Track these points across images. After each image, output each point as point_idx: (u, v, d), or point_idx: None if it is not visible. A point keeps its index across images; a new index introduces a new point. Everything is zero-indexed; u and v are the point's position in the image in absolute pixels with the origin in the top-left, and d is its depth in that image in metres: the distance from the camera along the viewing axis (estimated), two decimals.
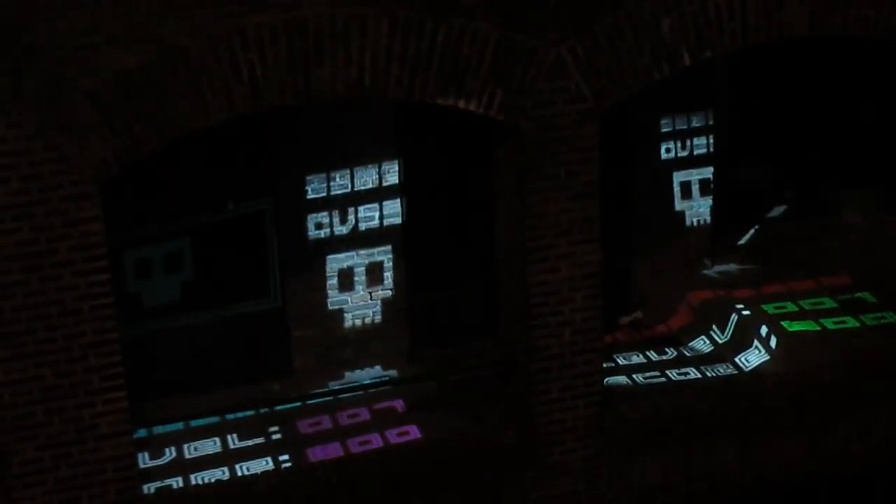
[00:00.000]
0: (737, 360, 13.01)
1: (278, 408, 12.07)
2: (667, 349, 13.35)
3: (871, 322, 13.35)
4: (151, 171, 11.00)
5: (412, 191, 12.85)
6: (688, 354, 13.25)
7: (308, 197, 12.54)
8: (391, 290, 13.03)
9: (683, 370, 12.92)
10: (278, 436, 11.84)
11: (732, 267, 14.22)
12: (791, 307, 13.63)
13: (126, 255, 11.97)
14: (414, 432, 11.85)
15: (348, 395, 12.20)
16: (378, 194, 12.75)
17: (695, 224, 14.19)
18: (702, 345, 13.39)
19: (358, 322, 13.02)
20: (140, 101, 9.23)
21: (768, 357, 12.88)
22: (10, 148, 9.08)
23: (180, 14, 9.16)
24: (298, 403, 12.15)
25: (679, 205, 14.07)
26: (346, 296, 12.91)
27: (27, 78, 9.00)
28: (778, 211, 15.31)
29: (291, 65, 9.46)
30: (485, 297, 13.08)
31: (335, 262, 12.80)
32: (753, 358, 13.01)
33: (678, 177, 14.00)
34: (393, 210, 12.82)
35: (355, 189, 12.67)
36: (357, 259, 12.84)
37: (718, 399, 11.88)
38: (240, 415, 11.98)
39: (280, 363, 12.84)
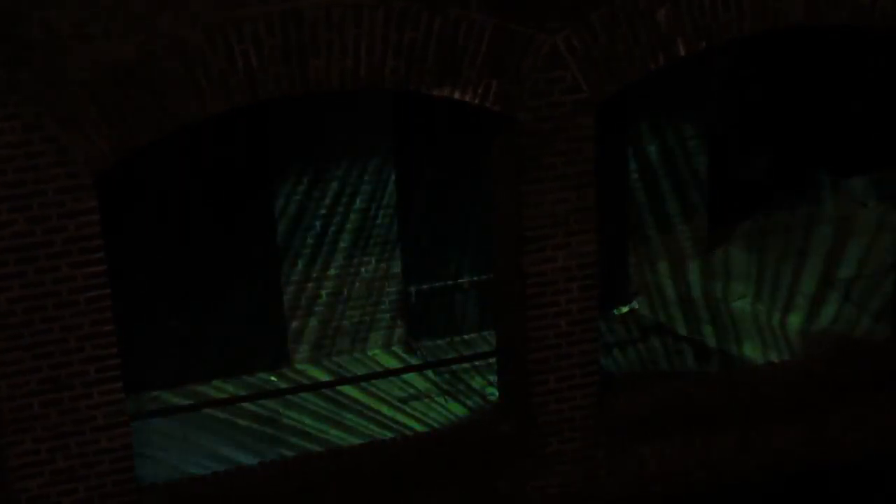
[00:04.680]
0: (734, 349, 13.01)
1: (274, 398, 12.07)
2: (664, 339, 13.36)
3: (868, 311, 13.35)
4: (149, 162, 11.00)
5: (408, 181, 12.84)
6: (685, 344, 13.25)
7: (305, 187, 12.53)
8: (387, 280, 13.02)
9: (681, 360, 12.92)
10: (275, 426, 11.84)
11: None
12: (788, 296, 13.63)
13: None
14: (411, 423, 11.85)
15: (345, 385, 12.20)
16: (374, 185, 12.74)
17: (691, 214, 14.20)
18: (699, 334, 13.39)
19: (354, 312, 13.02)
20: (136, 93, 9.21)
21: (766, 346, 12.88)
22: (6, 140, 9.06)
23: (176, 5, 9.14)
24: (295, 395, 12.15)
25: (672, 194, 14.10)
26: (342, 287, 12.90)
27: (23, 69, 8.98)
28: (774, 199, 15.30)
29: (287, 56, 9.44)
30: (481, 287, 13.08)
31: (331, 253, 12.80)
32: (751, 347, 13.01)
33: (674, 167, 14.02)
34: (389, 200, 12.81)
35: (352, 179, 12.66)
36: (353, 250, 12.84)
37: (716, 389, 11.87)
38: (236, 406, 11.97)
39: (276, 354, 12.85)
